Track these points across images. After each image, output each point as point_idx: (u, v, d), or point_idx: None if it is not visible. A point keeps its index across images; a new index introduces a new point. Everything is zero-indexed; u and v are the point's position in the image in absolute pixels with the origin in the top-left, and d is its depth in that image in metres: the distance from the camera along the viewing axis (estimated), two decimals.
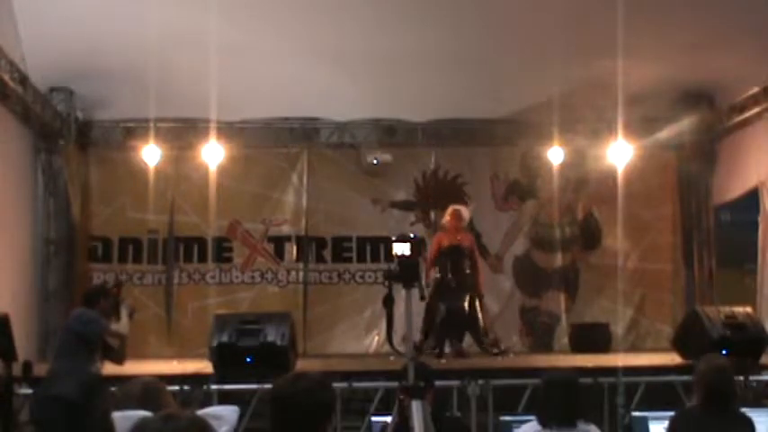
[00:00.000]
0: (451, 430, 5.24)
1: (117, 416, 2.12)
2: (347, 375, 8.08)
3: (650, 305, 11.80)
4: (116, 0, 8.56)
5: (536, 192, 12.03)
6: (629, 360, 9.63)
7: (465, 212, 10.11)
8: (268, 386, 3.86)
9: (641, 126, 11.55)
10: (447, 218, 9.98)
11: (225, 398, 7.54)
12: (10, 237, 9.85)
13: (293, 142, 11.76)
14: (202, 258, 11.59)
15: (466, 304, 9.63)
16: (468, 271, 9.74)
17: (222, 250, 11.64)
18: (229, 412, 2.12)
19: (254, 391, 7.59)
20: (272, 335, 8.16)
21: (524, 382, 7.56)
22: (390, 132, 11.74)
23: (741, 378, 7.86)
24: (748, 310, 9.08)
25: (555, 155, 11.62)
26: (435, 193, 11.69)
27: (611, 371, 8.22)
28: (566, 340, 11.56)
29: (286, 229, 11.74)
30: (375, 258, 11.55)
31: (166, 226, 11.52)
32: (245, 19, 8.86)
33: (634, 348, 11.43)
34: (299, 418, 2.87)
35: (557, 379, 4.37)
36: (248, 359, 8.04)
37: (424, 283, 3.72)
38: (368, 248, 11.64)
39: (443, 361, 9.08)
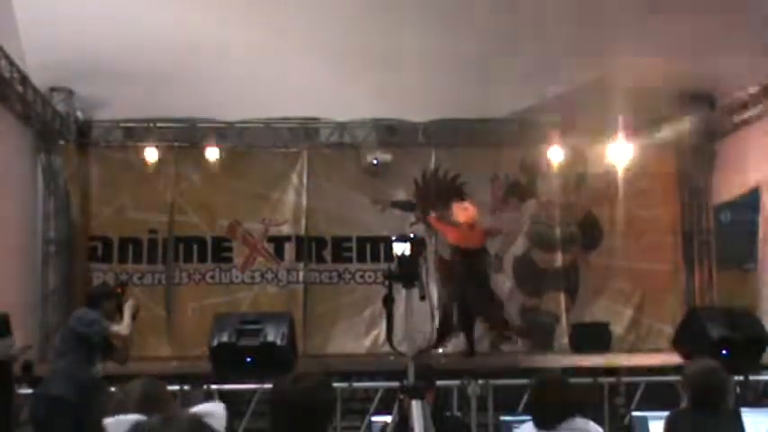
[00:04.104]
0: (451, 430, 5.23)
1: (109, 422, 2.11)
2: (347, 375, 8.08)
3: (650, 305, 11.80)
4: (116, 0, 8.56)
5: (536, 192, 12.03)
6: (629, 360, 9.65)
7: (473, 209, 10.22)
8: (268, 386, 3.86)
9: (641, 126, 11.55)
10: (460, 217, 10.04)
11: (225, 398, 7.55)
12: (10, 237, 9.85)
13: (293, 142, 11.76)
14: (202, 258, 11.59)
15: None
16: (485, 273, 9.97)
17: (222, 250, 11.64)
18: (218, 407, 2.12)
19: (254, 391, 7.60)
20: (272, 335, 8.17)
21: (524, 382, 7.56)
22: (390, 132, 11.74)
23: (741, 378, 7.87)
24: (748, 310, 9.08)
25: (555, 155, 11.62)
26: (435, 193, 11.69)
27: (611, 371, 8.23)
28: (566, 340, 11.56)
29: (286, 229, 11.74)
30: (375, 258, 11.55)
31: (166, 226, 11.53)
32: (245, 19, 8.85)
33: (634, 348, 11.44)
34: (300, 419, 2.87)
35: (546, 380, 4.39)
36: (248, 359, 8.04)
37: (425, 280, 3.71)
38: (368, 248, 11.65)
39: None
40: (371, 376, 8.27)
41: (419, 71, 9.90)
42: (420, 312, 3.72)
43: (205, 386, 7.70)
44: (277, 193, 11.74)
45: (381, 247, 11.41)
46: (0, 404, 6.75)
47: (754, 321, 8.61)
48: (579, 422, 4.15)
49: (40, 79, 9.97)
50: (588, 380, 7.67)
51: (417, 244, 3.73)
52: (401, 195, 11.79)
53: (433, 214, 11.07)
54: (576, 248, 12.00)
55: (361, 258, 11.67)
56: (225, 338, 8.20)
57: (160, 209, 11.49)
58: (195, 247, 11.60)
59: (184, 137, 11.48)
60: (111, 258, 11.41)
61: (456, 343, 10.54)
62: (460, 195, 11.57)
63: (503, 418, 4.79)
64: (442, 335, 10.22)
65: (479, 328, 10.73)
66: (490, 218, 11.64)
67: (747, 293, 10.28)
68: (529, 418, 4.28)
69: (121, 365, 6.49)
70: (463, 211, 10.15)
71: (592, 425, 4.20)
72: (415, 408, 3.53)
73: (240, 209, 11.65)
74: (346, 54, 9.57)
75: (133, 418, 2.05)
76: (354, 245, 11.72)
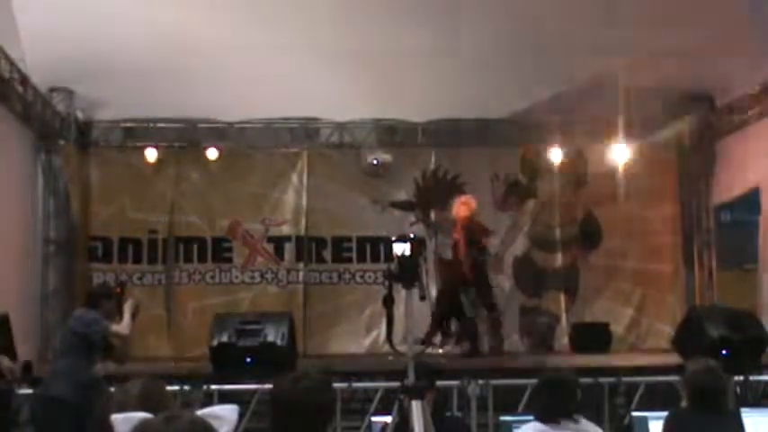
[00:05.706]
0: (451, 430, 5.23)
1: (117, 418, 2.11)
2: (347, 375, 8.08)
3: (650, 305, 11.80)
4: (116, 1, 8.56)
5: (536, 192, 12.03)
6: (629, 360, 9.65)
7: (473, 203, 10.15)
8: (268, 386, 3.85)
9: (641, 126, 11.55)
10: (460, 212, 9.98)
11: (225, 398, 7.54)
12: (10, 237, 9.85)
13: (293, 142, 11.76)
14: (202, 258, 11.59)
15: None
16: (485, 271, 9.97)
17: (222, 250, 11.64)
18: (229, 412, 2.11)
19: (254, 391, 7.59)
20: (272, 335, 8.17)
21: (524, 382, 7.55)
22: (390, 132, 11.75)
23: (741, 378, 7.87)
24: (748, 310, 9.08)
25: (555, 155, 11.62)
26: (435, 194, 11.68)
27: (611, 371, 8.22)
28: (566, 340, 11.56)
29: (286, 229, 11.74)
30: (375, 258, 11.55)
31: (166, 226, 11.53)
32: (244, 19, 8.85)
33: (634, 348, 11.44)
34: (300, 419, 2.87)
35: (556, 378, 4.38)
36: (248, 359, 8.05)
37: (425, 280, 3.71)
38: (368, 248, 11.65)
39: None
40: (371, 376, 8.26)
41: (419, 71, 9.90)
42: (420, 312, 3.72)
43: (205, 386, 7.69)
44: (277, 193, 11.75)
45: (381, 247, 11.42)
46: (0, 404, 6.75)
47: (754, 321, 8.61)
48: (584, 423, 4.15)
49: (40, 79, 9.97)
50: (588, 380, 7.65)
51: (417, 244, 3.72)
52: (401, 195, 11.79)
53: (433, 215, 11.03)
54: (576, 248, 12.00)
55: (361, 258, 11.68)
56: (225, 338, 8.20)
57: (160, 209, 11.50)
58: (195, 247, 11.60)
59: (184, 137, 11.49)
60: (111, 258, 11.41)
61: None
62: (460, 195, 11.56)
63: (503, 418, 4.78)
64: (435, 331, 9.91)
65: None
66: (490, 217, 11.65)
67: (747, 293, 10.28)
68: (530, 418, 4.27)
69: (121, 365, 6.49)
70: (463, 206, 10.10)
71: (594, 427, 4.21)
72: (415, 408, 3.53)
73: (240, 209, 11.65)
74: (346, 54, 9.57)
75: (141, 415, 2.05)
76: (354, 245, 11.72)
